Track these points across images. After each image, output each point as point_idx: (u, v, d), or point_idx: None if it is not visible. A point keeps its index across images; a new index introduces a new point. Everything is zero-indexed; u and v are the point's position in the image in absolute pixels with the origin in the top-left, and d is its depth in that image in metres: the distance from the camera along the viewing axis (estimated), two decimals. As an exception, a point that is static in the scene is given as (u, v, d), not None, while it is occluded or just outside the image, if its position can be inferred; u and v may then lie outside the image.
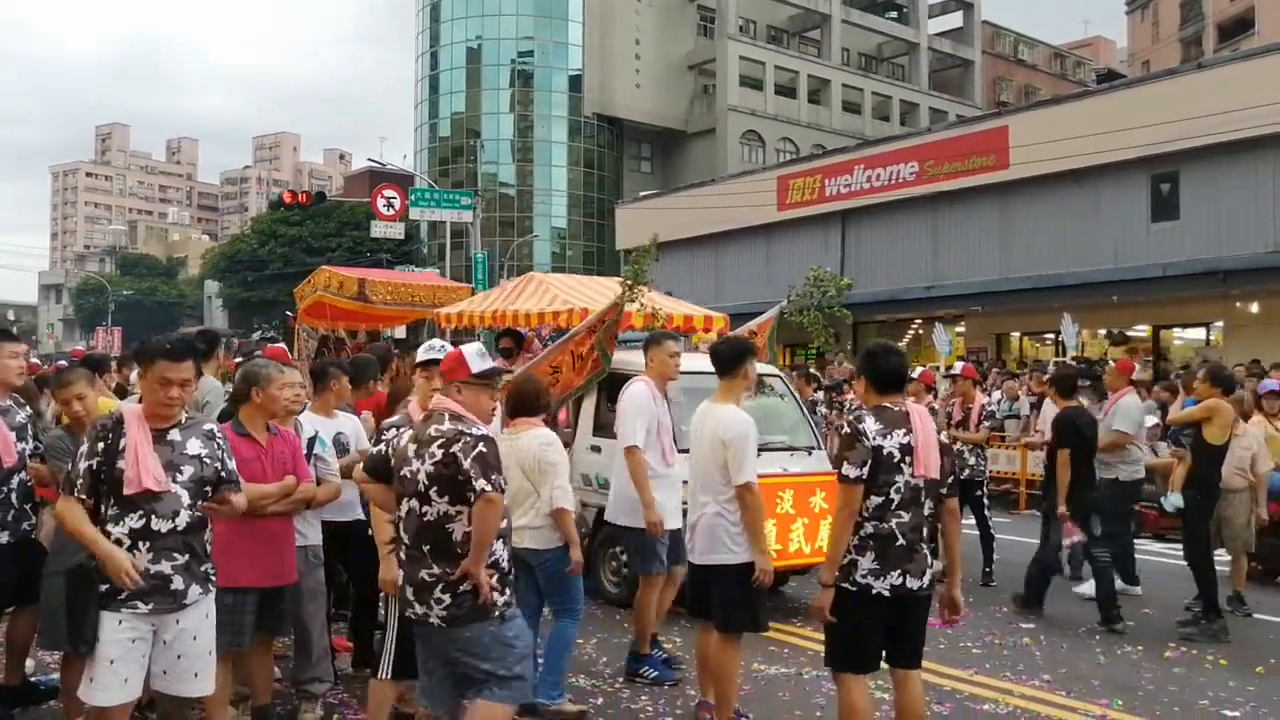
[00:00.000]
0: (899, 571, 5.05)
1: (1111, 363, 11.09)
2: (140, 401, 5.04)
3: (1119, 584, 9.67)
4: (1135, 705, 6.97)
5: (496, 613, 4.74)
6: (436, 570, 4.70)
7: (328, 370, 7.03)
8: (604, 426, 9.05)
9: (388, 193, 33.10)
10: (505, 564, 4.85)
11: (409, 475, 4.77)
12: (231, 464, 4.94)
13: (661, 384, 7.34)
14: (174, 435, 4.74)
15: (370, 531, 6.91)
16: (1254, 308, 25.33)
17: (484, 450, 4.65)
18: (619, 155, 61.06)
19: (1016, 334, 31.11)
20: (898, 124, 59.05)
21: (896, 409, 5.18)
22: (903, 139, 36.08)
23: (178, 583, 4.61)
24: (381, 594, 6.99)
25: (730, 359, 6.23)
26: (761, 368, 9.78)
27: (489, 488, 4.59)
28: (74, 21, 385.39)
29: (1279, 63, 23.70)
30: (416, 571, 4.74)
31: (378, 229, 34.70)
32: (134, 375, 9.38)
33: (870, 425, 5.09)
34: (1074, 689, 7.30)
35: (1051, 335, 27.66)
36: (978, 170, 29.90)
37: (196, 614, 4.71)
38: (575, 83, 59.10)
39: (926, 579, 5.13)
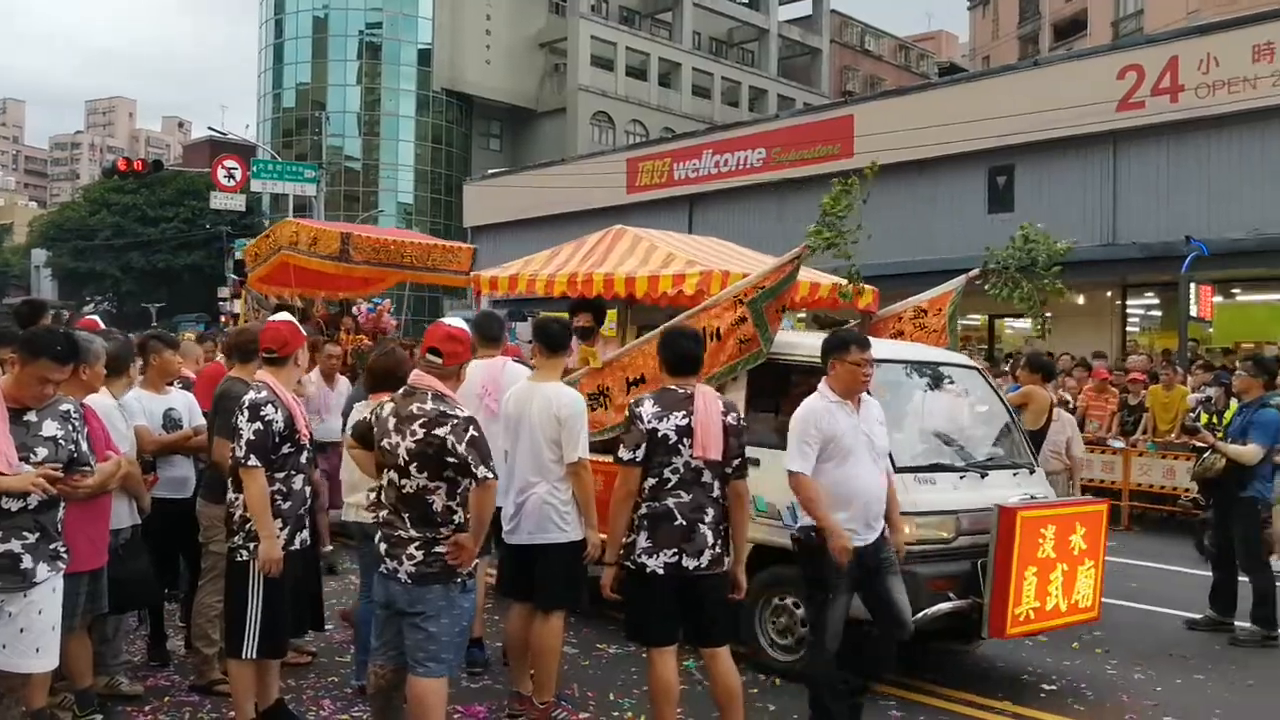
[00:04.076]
0: (673, 550, 5.21)
1: None
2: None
3: None
4: (957, 681, 7.19)
5: (459, 579, 4.89)
6: (414, 533, 4.84)
7: (147, 344, 6.83)
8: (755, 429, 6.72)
9: (228, 163, 32.21)
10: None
11: (388, 447, 4.88)
12: (85, 446, 4.89)
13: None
14: (30, 416, 4.69)
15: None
16: (1080, 299, 26.30)
17: (476, 435, 4.79)
18: (468, 132, 60.37)
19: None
20: (746, 110, 59.74)
21: (681, 391, 5.34)
22: (751, 125, 36.51)
23: (27, 561, 4.56)
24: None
25: (561, 337, 6.36)
26: (947, 355, 8.17)
27: (490, 475, 4.78)
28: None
29: (1108, 63, 24.69)
30: (393, 531, 4.90)
31: (218, 200, 33.82)
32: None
33: (648, 409, 5.29)
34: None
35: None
36: (823, 159, 30.32)
37: (44, 589, 4.64)
38: (425, 57, 58.07)
39: (705, 559, 5.25)
